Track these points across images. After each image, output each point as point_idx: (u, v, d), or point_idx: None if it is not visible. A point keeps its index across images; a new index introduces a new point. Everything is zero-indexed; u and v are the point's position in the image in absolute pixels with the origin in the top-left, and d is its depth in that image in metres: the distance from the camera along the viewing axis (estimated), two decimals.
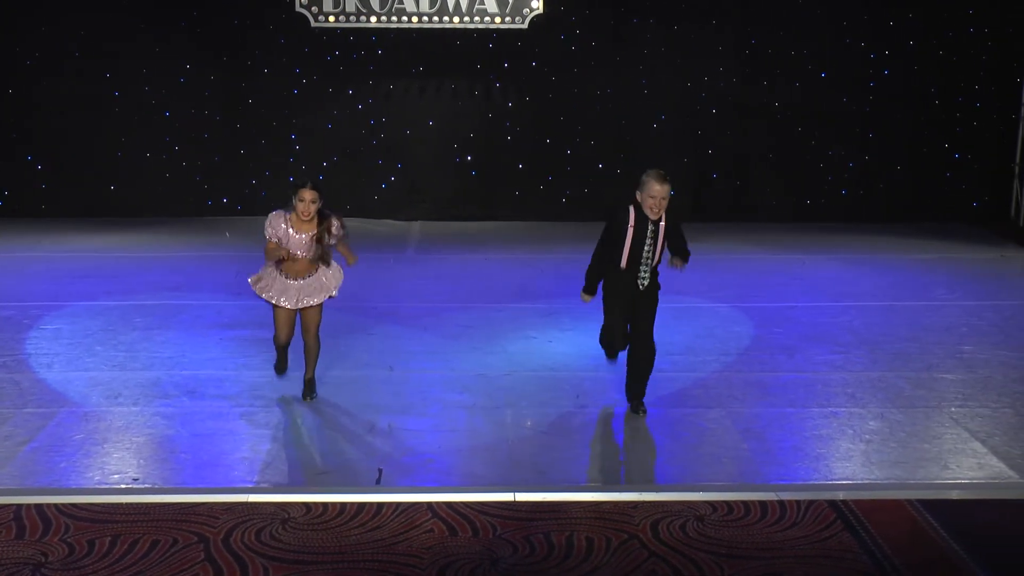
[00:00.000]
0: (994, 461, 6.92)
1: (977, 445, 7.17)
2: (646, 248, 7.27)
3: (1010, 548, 5.80)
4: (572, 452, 7.10)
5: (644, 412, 7.63)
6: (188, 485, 6.51)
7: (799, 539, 5.79)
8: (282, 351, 7.91)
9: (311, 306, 7.61)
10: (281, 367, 8.01)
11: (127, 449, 7.05)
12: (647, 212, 7.23)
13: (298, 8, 14.91)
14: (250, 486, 6.48)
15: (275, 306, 7.60)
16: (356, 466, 6.85)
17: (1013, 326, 10.09)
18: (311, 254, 7.47)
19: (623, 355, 7.68)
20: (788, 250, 13.55)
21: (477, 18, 14.97)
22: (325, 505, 6.10)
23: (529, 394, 8.14)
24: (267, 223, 7.48)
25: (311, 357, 7.86)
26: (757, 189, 15.71)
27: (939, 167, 15.63)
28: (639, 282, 7.34)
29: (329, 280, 7.62)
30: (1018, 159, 15.30)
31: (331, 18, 14.96)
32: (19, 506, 6.03)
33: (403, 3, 14.89)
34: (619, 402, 7.86)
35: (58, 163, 15.30)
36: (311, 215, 7.38)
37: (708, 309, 10.45)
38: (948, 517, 6.02)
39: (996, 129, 15.50)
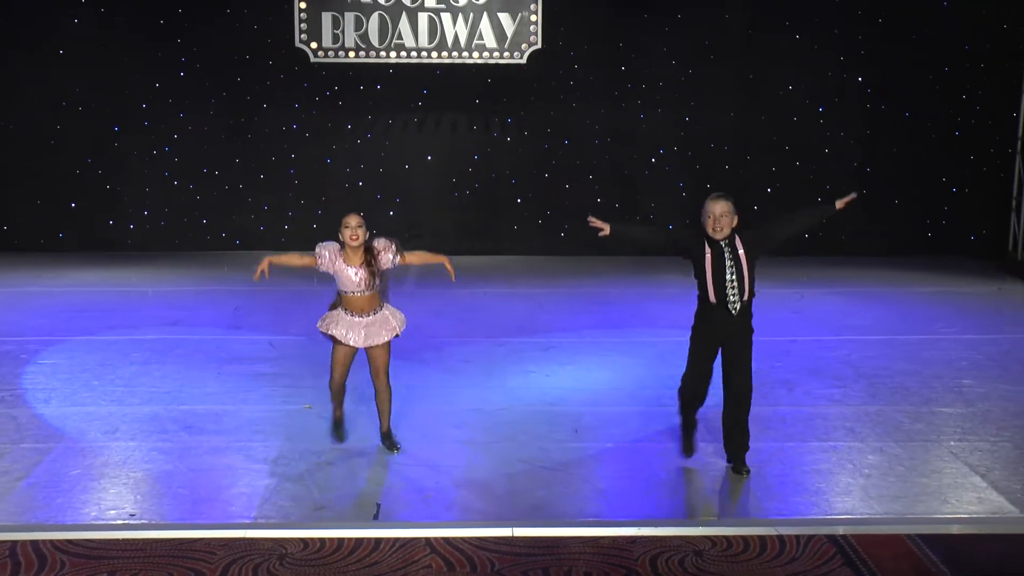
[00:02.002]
0: (994, 496, 6.90)
1: (977, 479, 7.15)
2: (728, 273, 7.19)
3: None
4: (570, 487, 7.07)
5: (747, 473, 7.15)
6: (185, 521, 6.48)
7: (799, 574, 5.76)
8: (338, 400, 7.58)
9: (378, 345, 7.34)
10: (339, 433, 7.69)
11: (124, 484, 7.03)
12: (712, 233, 7.28)
13: (297, 43, 14.98)
14: (248, 522, 6.45)
15: (335, 344, 7.33)
16: (354, 501, 6.83)
17: (1011, 360, 10.07)
18: (371, 287, 7.27)
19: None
20: (787, 284, 13.54)
21: (476, 53, 15.04)
22: (323, 540, 6.07)
23: (527, 429, 8.12)
24: (318, 245, 7.31)
25: (385, 406, 7.55)
26: (756, 223, 15.69)
27: (937, 201, 15.66)
28: (731, 309, 7.07)
29: (394, 317, 7.42)
30: (1015, 193, 15.37)
31: (330, 53, 15.03)
32: (15, 543, 6.00)
33: (402, 38, 14.97)
34: (617, 437, 7.84)
35: (57, 197, 15.32)
36: (359, 239, 7.18)
37: None
38: (948, 552, 5.99)
39: (994, 163, 15.54)
